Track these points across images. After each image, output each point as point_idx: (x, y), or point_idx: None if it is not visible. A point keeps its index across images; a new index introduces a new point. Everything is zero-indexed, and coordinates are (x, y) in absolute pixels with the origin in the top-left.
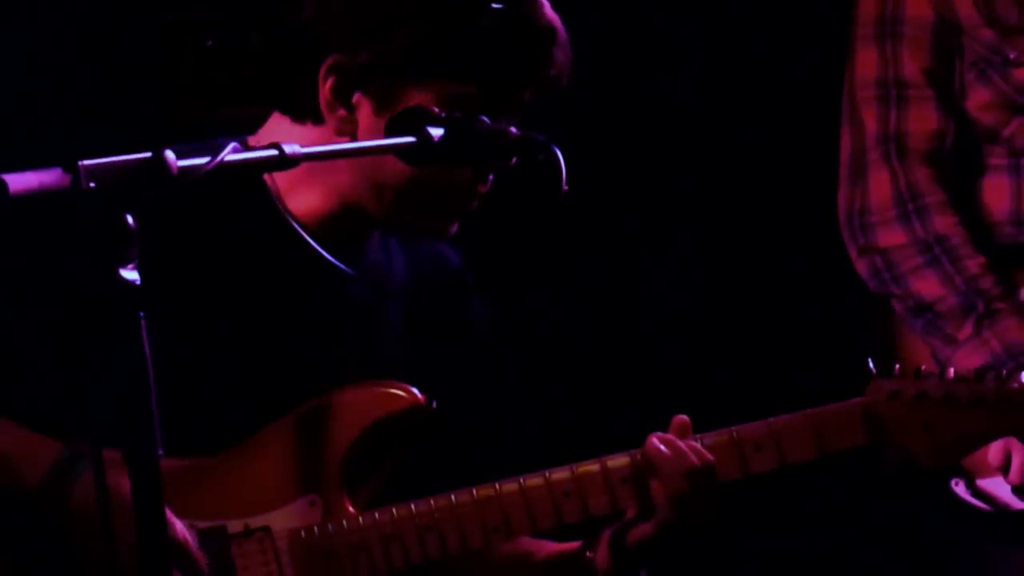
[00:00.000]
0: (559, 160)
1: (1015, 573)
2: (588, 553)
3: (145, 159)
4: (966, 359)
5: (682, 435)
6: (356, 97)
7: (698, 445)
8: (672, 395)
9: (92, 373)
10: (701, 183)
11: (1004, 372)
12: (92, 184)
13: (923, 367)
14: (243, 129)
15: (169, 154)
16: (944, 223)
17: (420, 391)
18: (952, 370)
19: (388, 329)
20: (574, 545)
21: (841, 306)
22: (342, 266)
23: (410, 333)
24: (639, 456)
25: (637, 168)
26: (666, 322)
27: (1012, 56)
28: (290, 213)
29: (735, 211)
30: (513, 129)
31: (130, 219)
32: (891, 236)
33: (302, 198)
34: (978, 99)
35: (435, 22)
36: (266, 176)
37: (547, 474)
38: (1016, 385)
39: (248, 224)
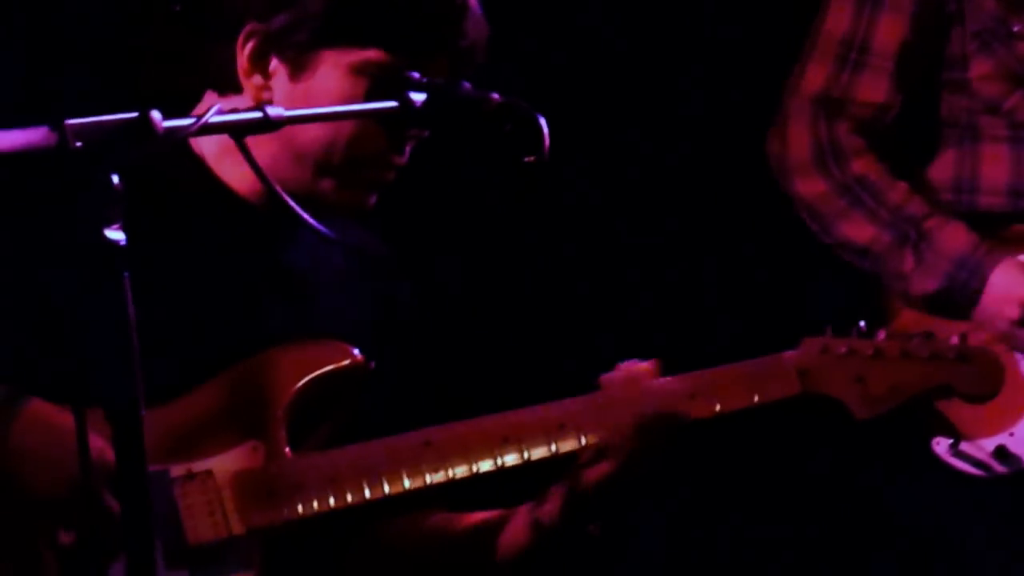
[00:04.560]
0: (542, 127)
1: (987, 538)
2: (543, 504)
3: (131, 119)
4: (921, 285)
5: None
6: (273, 64)
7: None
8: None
9: (74, 331)
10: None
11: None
12: (78, 143)
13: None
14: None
15: (155, 114)
16: (861, 164)
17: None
18: (883, 332)
19: (326, 298)
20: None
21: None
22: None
23: (345, 309)
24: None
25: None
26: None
27: (1016, 28)
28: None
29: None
30: (495, 95)
31: (116, 178)
32: (811, 185)
33: (232, 172)
34: (980, 70)
35: None
36: (197, 151)
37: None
38: (946, 344)
39: (190, 188)
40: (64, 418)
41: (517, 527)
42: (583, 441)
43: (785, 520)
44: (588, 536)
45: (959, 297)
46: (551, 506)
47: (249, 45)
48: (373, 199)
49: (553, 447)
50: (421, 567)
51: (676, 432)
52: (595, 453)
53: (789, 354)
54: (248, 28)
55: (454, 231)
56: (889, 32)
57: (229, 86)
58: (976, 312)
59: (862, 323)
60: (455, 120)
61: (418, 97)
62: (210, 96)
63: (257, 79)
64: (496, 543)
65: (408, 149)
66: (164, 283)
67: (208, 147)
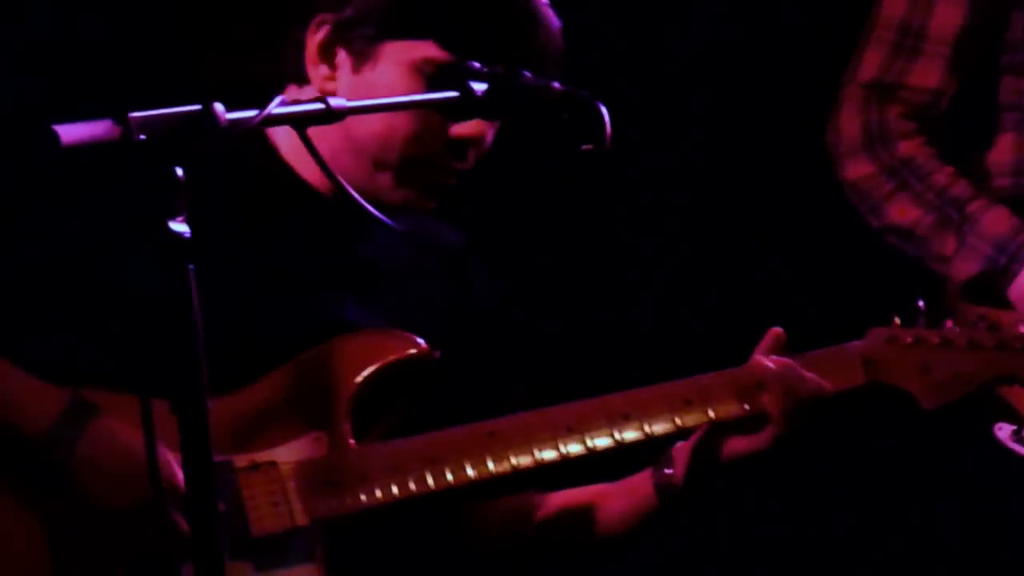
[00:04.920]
0: (603, 116)
1: None
2: (667, 471)
3: (195, 111)
4: (963, 268)
5: (777, 346)
6: (340, 56)
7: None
8: (684, 348)
9: (141, 323)
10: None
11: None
12: (142, 136)
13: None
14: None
15: (218, 106)
16: (908, 147)
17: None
18: (950, 321)
19: (396, 287)
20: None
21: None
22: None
23: (415, 297)
24: (745, 371)
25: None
26: (678, 279)
27: None
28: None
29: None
30: (556, 84)
31: (179, 171)
32: (860, 168)
33: (303, 164)
34: None
35: None
36: (272, 143)
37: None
38: (1013, 333)
39: (263, 179)
40: (133, 434)
41: (637, 494)
42: (711, 415)
43: (850, 501)
44: (714, 492)
45: (999, 281)
46: (678, 469)
47: (319, 34)
48: (431, 201)
49: (678, 421)
50: (516, 546)
51: (820, 408)
52: (745, 423)
53: (855, 344)
54: (319, 17)
55: (522, 220)
56: (946, 18)
57: (297, 77)
58: (1011, 292)
59: (920, 303)
60: (516, 109)
61: (479, 87)
62: (291, 88)
63: (324, 69)
64: (603, 515)
65: (472, 155)
66: (235, 273)
67: (282, 139)
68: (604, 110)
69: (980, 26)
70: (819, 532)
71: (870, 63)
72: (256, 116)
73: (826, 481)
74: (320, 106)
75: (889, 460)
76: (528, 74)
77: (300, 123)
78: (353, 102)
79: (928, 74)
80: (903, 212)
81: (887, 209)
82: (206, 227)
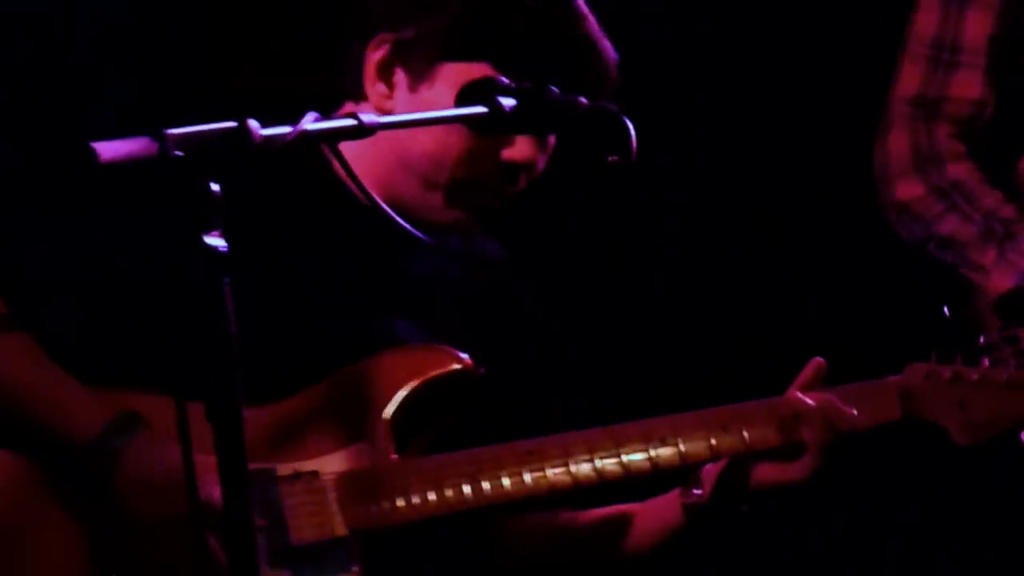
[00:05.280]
0: (629, 129)
1: None
2: (696, 491)
3: (229, 128)
4: (999, 282)
5: (817, 377)
6: (397, 75)
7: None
8: (718, 366)
9: (178, 334)
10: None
11: None
12: (178, 152)
13: (960, 357)
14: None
15: (253, 123)
16: (958, 170)
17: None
18: (987, 359)
19: (444, 304)
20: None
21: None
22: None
23: (462, 314)
24: (784, 402)
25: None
26: (714, 300)
27: None
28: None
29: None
30: (583, 99)
31: (215, 186)
32: (911, 189)
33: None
34: None
35: (475, 7)
36: (328, 158)
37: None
38: None
39: (316, 194)
40: (173, 451)
41: (666, 511)
42: (747, 441)
43: (872, 505)
44: (739, 513)
45: None
46: (705, 490)
47: (379, 53)
48: (480, 222)
49: (714, 443)
50: (545, 561)
51: (856, 442)
52: (779, 452)
53: (893, 378)
54: (380, 36)
55: (561, 236)
56: (977, 28)
57: (355, 94)
58: None
59: (946, 311)
60: (544, 124)
61: (508, 102)
62: (348, 104)
63: (382, 87)
64: (632, 531)
65: (523, 179)
66: (286, 285)
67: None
68: (630, 124)
69: (1011, 33)
70: (844, 534)
71: (910, 79)
72: (290, 132)
73: (851, 486)
74: (352, 122)
75: (914, 464)
76: (555, 89)
77: (332, 139)
78: (384, 118)
79: (968, 85)
80: (948, 228)
81: (935, 226)
82: (261, 239)
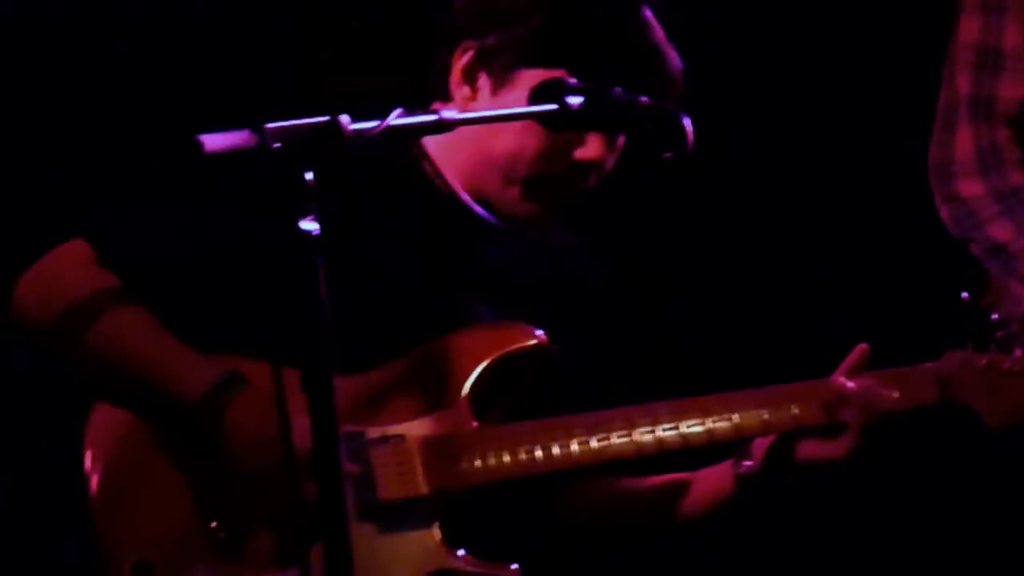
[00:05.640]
0: (686, 127)
1: None
2: (746, 463)
3: (323, 122)
4: None
5: (862, 362)
6: (480, 80)
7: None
8: (771, 348)
9: (279, 309)
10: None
11: None
12: (276, 144)
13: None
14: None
15: (344, 118)
16: (1019, 177)
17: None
18: (1019, 350)
19: (519, 288)
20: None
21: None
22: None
23: (536, 297)
24: (829, 384)
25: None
26: (765, 285)
27: None
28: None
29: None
30: (644, 99)
31: (309, 175)
32: (971, 187)
33: (447, 176)
34: None
35: (553, 19)
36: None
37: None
38: None
39: (403, 185)
40: (273, 407)
41: (718, 480)
42: (796, 416)
43: (902, 499)
44: (785, 485)
45: None
46: (756, 462)
47: (464, 59)
48: (554, 216)
49: (766, 417)
50: (610, 522)
51: (895, 424)
52: (823, 431)
53: (931, 365)
54: (464, 43)
55: (625, 226)
56: (1015, 34)
57: (443, 95)
58: None
59: (965, 296)
60: (608, 120)
61: (575, 100)
62: (436, 105)
63: (466, 91)
64: (686, 498)
65: (594, 177)
66: (371, 266)
67: (431, 150)
68: (687, 121)
69: None
70: (876, 530)
71: (963, 81)
72: (377, 127)
73: (878, 478)
74: (433, 118)
75: (942, 456)
76: (618, 89)
77: (416, 133)
78: (462, 114)
79: (1016, 86)
80: (1000, 232)
81: (988, 228)
82: (353, 225)
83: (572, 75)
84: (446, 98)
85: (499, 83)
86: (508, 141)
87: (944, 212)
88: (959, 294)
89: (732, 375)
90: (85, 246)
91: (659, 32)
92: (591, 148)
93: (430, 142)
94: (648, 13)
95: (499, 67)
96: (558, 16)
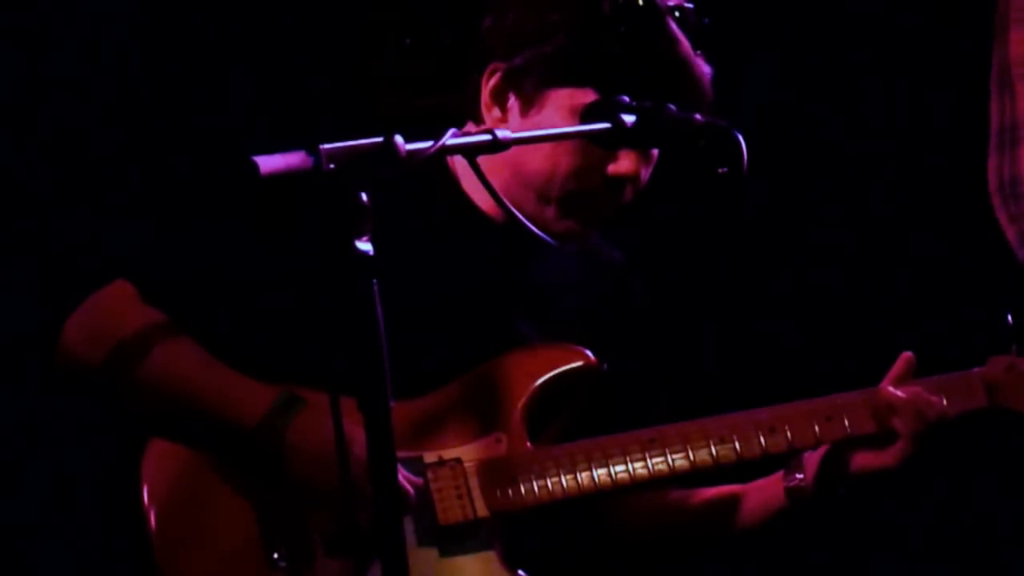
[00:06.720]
0: (741, 146)
1: None
2: (798, 475)
3: (377, 143)
4: None
5: (908, 371)
6: (510, 101)
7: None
8: (812, 362)
9: (334, 332)
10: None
11: None
12: (331, 165)
13: None
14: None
15: (398, 138)
16: None
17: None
18: None
19: (564, 306)
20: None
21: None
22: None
23: (581, 315)
24: (878, 394)
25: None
26: (808, 298)
27: None
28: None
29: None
30: (698, 116)
31: (364, 196)
32: None
33: (477, 193)
34: None
35: (577, 37)
36: (453, 173)
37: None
38: None
39: (443, 206)
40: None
41: (769, 493)
42: (847, 429)
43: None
44: (837, 496)
45: None
46: (807, 475)
47: (492, 81)
48: (591, 232)
49: (818, 431)
50: (660, 533)
51: (944, 430)
52: (874, 440)
53: (977, 370)
54: (493, 65)
55: (673, 240)
56: None
57: (475, 116)
58: None
59: (1009, 319)
60: (662, 139)
61: (629, 118)
62: (469, 125)
63: (496, 112)
64: (737, 511)
65: (629, 191)
66: (421, 291)
67: (461, 172)
68: (740, 137)
69: None
70: (916, 526)
71: (1022, 99)
72: (431, 147)
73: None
74: (488, 137)
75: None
76: (672, 107)
77: (471, 153)
78: (516, 134)
79: None
80: None
81: None
82: (396, 249)
83: (600, 93)
84: (477, 120)
85: (528, 103)
86: (541, 160)
87: (1011, 232)
88: (1005, 313)
89: (779, 386)
90: (128, 285)
91: (685, 43)
92: (624, 163)
93: (461, 164)
94: (673, 25)
95: (528, 87)
96: (583, 34)
